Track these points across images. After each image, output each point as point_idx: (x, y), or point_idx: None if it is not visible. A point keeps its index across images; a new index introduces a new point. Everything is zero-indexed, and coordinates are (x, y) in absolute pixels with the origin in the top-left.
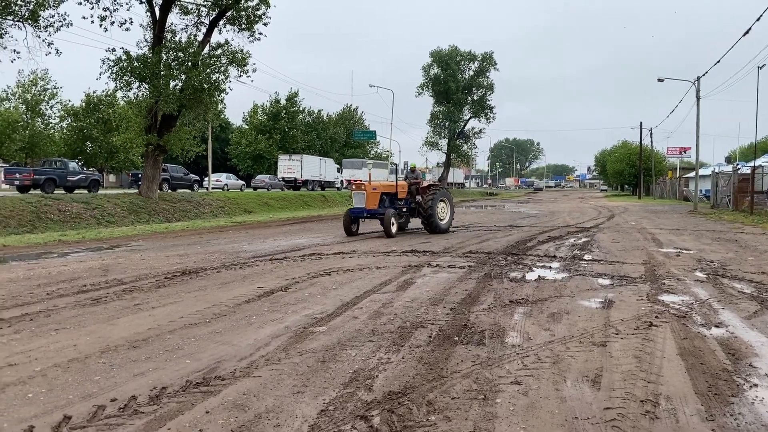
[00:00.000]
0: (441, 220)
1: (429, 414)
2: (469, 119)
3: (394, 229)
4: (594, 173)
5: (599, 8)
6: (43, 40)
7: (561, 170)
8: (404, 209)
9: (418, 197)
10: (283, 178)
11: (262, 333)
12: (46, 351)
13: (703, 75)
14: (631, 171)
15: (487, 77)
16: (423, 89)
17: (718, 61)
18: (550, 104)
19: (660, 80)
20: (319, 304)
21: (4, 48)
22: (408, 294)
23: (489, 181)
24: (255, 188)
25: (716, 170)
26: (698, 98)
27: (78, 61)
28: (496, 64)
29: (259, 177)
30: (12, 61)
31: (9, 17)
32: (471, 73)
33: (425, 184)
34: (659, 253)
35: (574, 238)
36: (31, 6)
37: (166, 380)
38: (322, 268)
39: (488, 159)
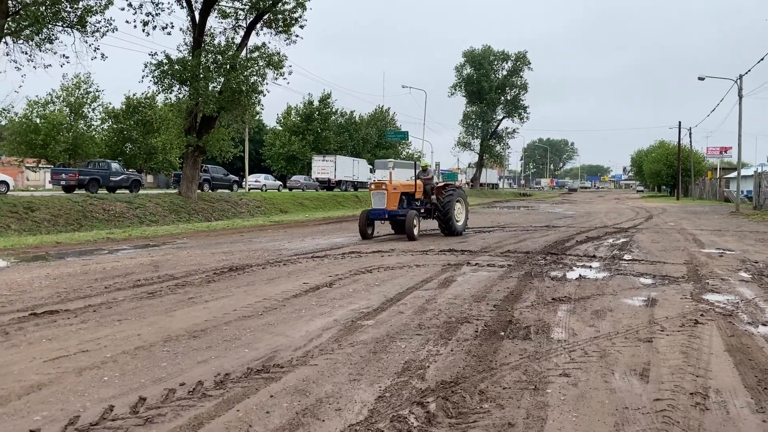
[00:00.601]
0: (457, 221)
1: (482, 402)
2: (502, 119)
3: (416, 231)
4: (630, 174)
5: (637, 4)
6: (90, 45)
7: (596, 171)
8: (422, 210)
9: (433, 197)
10: (317, 178)
11: (313, 325)
12: (113, 339)
13: (746, 73)
14: (669, 171)
15: (521, 77)
16: (456, 89)
17: (762, 59)
18: (586, 103)
19: (701, 79)
20: (364, 299)
21: (55, 53)
22: (450, 291)
23: (522, 181)
24: (290, 189)
25: (759, 170)
26: (740, 97)
27: (117, 64)
28: (530, 63)
29: (294, 178)
30: (61, 66)
31: (59, 23)
32: (504, 72)
33: (441, 184)
34: (701, 253)
35: (613, 239)
36: (79, 12)
37: (228, 367)
38: (363, 265)
39: (521, 159)
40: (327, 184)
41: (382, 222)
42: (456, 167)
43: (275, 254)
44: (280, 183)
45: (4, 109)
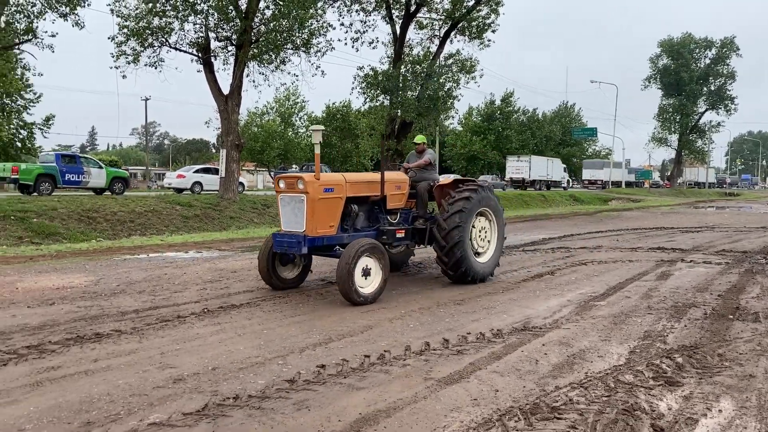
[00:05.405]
0: (477, 253)
1: (722, 361)
2: (704, 112)
3: (366, 287)
4: None
5: None
6: (312, 64)
7: None
8: (399, 233)
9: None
10: (511, 178)
11: (551, 303)
12: (401, 302)
13: None
14: None
15: (728, 65)
16: (650, 81)
17: None
18: None
19: None
20: (588, 286)
21: (288, 73)
22: (669, 283)
23: (728, 180)
24: None
25: None
26: None
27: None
28: (738, 49)
29: (482, 177)
30: (292, 83)
31: (289, 47)
32: (707, 61)
33: (447, 180)
34: None
35: None
36: (305, 36)
37: (497, 325)
38: (576, 259)
39: (726, 155)
40: (521, 184)
41: (301, 258)
42: (647, 164)
43: None
44: None
45: (247, 124)
